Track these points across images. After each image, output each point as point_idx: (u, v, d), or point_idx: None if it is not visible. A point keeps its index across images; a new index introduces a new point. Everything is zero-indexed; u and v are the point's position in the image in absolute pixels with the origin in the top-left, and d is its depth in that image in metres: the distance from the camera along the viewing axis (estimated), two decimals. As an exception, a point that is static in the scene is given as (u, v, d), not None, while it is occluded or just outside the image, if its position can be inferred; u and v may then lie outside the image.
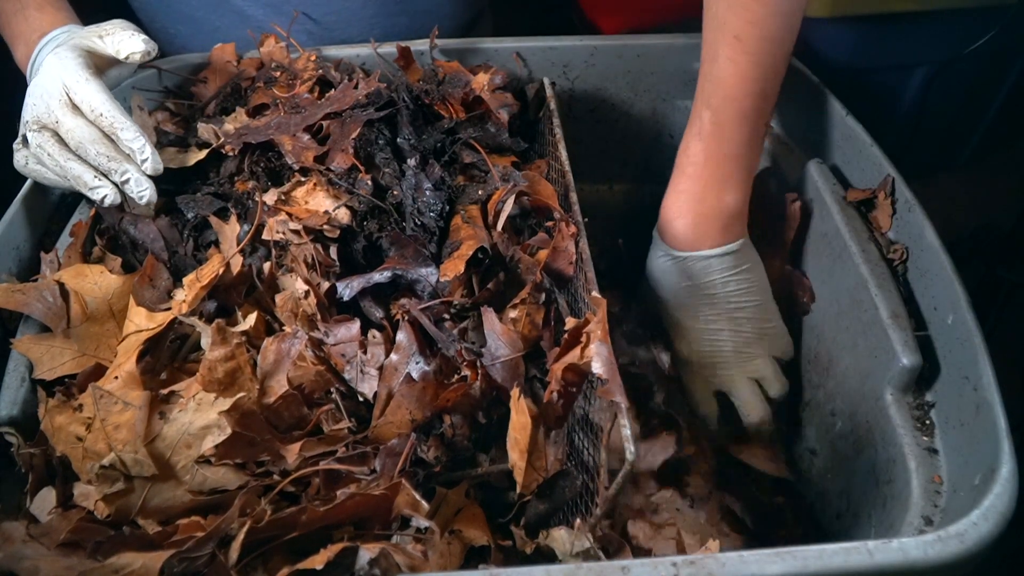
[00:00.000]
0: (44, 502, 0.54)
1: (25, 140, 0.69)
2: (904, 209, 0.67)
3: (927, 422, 0.58)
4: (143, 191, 0.67)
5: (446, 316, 0.61)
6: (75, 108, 0.67)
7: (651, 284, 0.74)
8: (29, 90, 0.70)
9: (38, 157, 0.68)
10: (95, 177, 0.66)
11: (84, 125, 0.66)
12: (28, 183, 0.72)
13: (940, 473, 0.54)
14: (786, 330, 0.73)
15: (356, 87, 0.75)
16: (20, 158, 0.69)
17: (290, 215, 0.65)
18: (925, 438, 0.56)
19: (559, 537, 0.50)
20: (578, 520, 0.50)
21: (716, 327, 0.71)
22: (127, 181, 0.66)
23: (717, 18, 0.67)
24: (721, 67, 0.67)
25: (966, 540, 0.44)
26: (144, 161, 0.67)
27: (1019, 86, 1.00)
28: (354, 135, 0.69)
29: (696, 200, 0.69)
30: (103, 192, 0.66)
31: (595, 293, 0.56)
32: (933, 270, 0.61)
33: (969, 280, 0.59)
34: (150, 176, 0.67)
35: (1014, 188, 1.12)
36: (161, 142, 0.74)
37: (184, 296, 0.63)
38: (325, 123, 0.72)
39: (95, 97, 0.66)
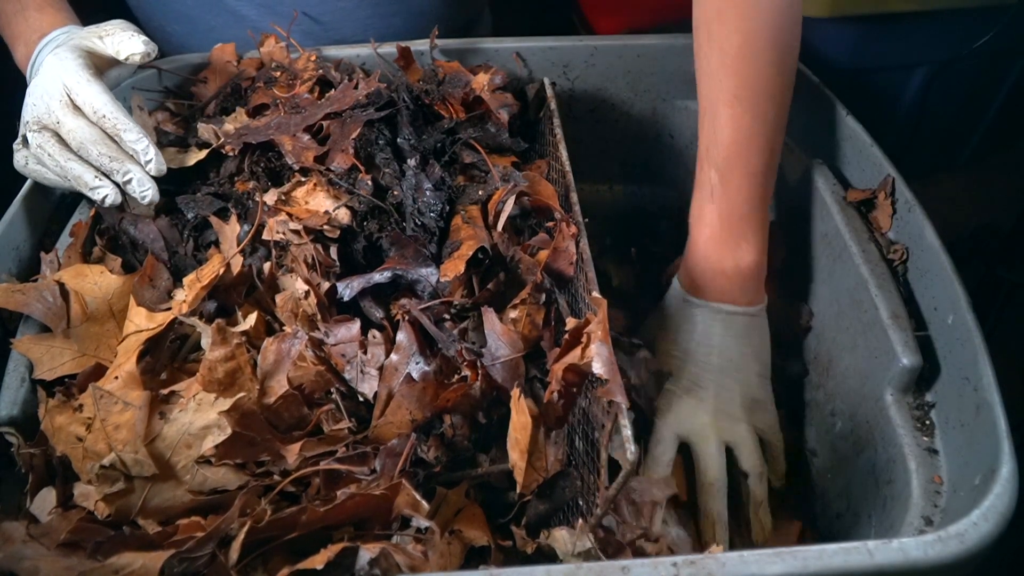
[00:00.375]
0: (44, 502, 0.54)
1: (25, 140, 0.69)
2: (904, 209, 0.67)
3: (927, 422, 0.58)
4: (146, 191, 0.67)
5: (446, 316, 0.61)
6: (76, 109, 0.67)
7: (659, 319, 0.72)
8: (29, 90, 0.70)
9: (38, 157, 0.68)
10: (95, 177, 0.66)
11: (86, 126, 0.66)
12: (28, 183, 0.72)
13: (940, 473, 0.54)
14: (775, 413, 0.69)
15: (356, 87, 0.75)
16: (20, 158, 0.69)
17: (290, 215, 0.65)
18: (925, 438, 0.56)
19: (560, 537, 0.50)
20: (579, 520, 0.50)
21: (704, 378, 0.67)
22: (130, 181, 0.66)
23: (712, 77, 0.66)
24: (723, 127, 0.65)
25: (966, 540, 0.44)
26: (148, 162, 0.67)
27: (1019, 86, 1.00)
28: (354, 135, 0.69)
29: (715, 263, 0.68)
30: (104, 192, 0.66)
31: (595, 293, 0.56)
32: (933, 270, 0.61)
33: (969, 280, 0.58)
34: (153, 177, 0.67)
35: (1014, 188, 1.12)
36: (161, 142, 0.74)
37: (184, 296, 0.63)
38: (325, 123, 0.72)
39: (97, 98, 0.66)
